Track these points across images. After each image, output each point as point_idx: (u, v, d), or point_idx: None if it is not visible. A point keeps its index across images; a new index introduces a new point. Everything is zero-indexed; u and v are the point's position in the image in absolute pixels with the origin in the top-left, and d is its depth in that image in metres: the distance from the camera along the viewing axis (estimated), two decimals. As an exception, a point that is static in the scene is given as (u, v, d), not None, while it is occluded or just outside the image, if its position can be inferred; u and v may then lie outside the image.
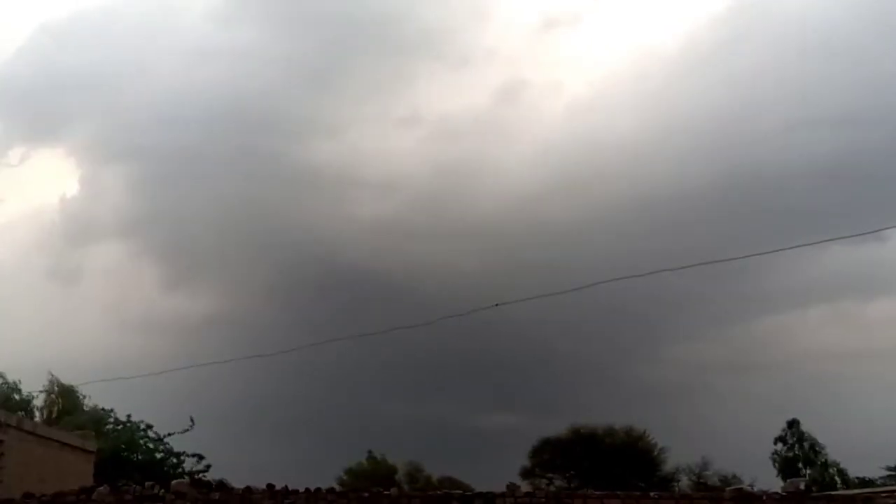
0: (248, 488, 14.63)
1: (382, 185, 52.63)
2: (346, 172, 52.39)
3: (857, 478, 29.45)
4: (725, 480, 30.20)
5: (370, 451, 34.53)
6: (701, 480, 31.96)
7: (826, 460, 32.24)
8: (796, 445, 32.81)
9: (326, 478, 32.16)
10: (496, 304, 16.28)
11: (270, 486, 14.48)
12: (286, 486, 14.62)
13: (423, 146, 53.37)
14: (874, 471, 28.06)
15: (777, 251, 16.92)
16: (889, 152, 42.73)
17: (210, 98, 48.14)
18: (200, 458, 20.87)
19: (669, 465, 32.90)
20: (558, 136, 51.51)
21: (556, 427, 33.86)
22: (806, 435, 32.70)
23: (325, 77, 52.68)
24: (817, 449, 32.42)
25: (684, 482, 32.32)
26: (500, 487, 16.34)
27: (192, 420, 20.75)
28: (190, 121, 48.83)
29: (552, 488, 29.54)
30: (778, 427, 33.28)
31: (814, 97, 44.31)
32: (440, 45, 53.90)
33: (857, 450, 29.52)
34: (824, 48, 44.40)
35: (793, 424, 32.91)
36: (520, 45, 55.07)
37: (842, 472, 31.21)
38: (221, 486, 15.11)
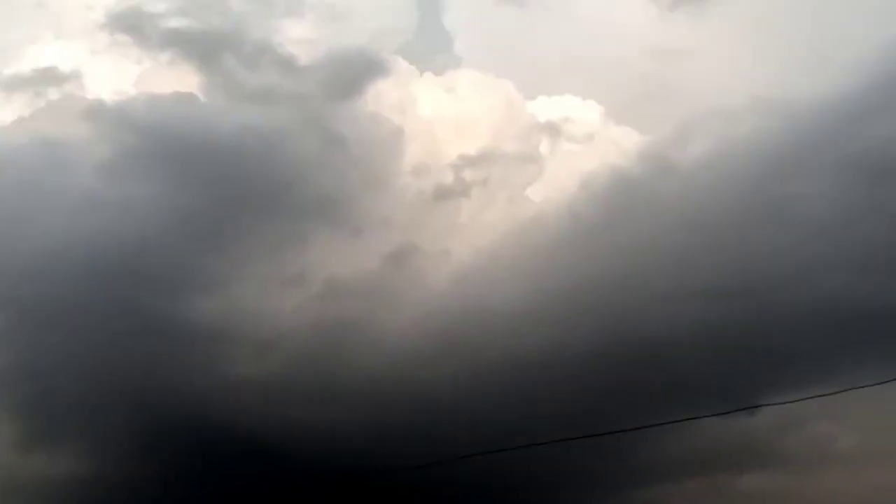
0: None
1: (259, 343, 52.53)
2: (223, 330, 52.24)
3: None
4: None
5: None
6: None
7: None
8: None
9: None
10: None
11: None
12: None
13: (306, 306, 54.10)
14: None
15: (647, 427, 17.84)
16: (756, 325, 45.62)
17: (90, 250, 47.68)
18: None
19: None
20: (442, 302, 53.38)
21: None
22: None
23: (213, 234, 53.37)
24: None
25: None
26: None
27: None
28: (67, 272, 47.88)
29: None
30: None
31: (688, 271, 47.63)
32: (335, 212, 55.81)
33: None
34: (700, 226, 48.00)
35: None
36: (412, 214, 57.79)
37: None
38: None
